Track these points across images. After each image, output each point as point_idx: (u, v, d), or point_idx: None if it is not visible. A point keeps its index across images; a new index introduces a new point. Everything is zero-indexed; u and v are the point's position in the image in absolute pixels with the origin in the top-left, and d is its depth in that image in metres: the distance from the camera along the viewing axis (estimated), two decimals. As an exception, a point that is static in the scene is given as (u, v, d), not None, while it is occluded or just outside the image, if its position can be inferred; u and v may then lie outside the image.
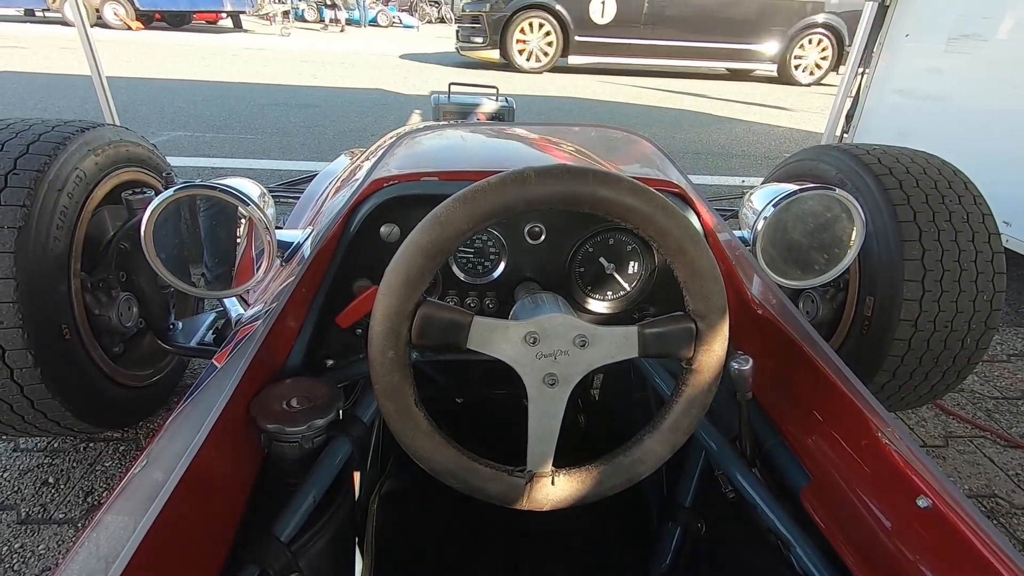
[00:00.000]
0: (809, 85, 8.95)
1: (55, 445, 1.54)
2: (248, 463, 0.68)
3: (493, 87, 2.93)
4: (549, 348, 0.63)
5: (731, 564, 0.81)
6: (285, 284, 0.74)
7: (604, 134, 1.03)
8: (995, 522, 1.52)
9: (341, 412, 0.77)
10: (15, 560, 1.24)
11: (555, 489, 0.66)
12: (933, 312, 1.38)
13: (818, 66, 8.95)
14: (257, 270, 0.86)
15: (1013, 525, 1.51)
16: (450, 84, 2.85)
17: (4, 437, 1.52)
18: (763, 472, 0.82)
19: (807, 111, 7.23)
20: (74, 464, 1.49)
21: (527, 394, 0.64)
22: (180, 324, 1.62)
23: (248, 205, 0.79)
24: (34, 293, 1.15)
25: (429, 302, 0.60)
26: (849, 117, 3.83)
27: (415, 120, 5.39)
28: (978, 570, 0.51)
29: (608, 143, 1.01)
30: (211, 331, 1.61)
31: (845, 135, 3.87)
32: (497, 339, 0.62)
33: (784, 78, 9.02)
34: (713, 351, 0.65)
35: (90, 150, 1.32)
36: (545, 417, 0.65)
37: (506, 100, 2.89)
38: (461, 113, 2.82)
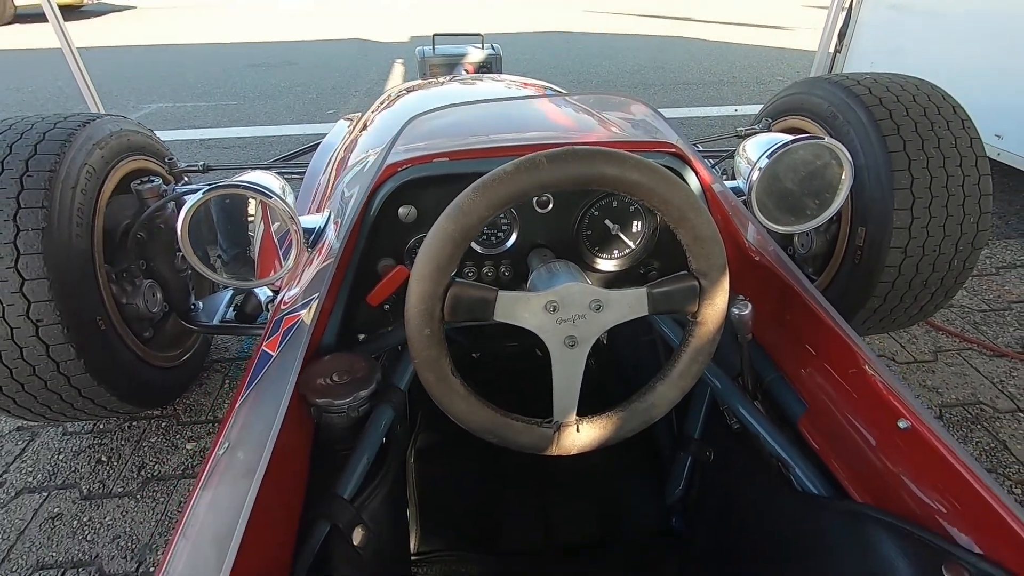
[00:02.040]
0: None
1: (101, 426, 1.64)
2: (304, 434, 0.76)
3: (478, 35, 2.86)
4: (568, 314, 0.70)
5: (738, 486, 0.91)
6: (319, 270, 0.79)
7: (602, 100, 1.06)
8: (980, 427, 1.64)
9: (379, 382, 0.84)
10: (87, 532, 1.36)
11: (580, 436, 0.75)
12: (922, 238, 1.44)
13: None
14: (285, 259, 0.91)
15: (996, 428, 1.64)
16: (434, 35, 2.78)
17: (55, 423, 1.62)
18: (764, 404, 0.91)
19: (806, 28, 7.00)
20: (122, 442, 1.59)
21: (550, 356, 0.71)
22: (201, 304, 1.69)
23: (271, 198, 0.84)
24: (67, 290, 1.21)
25: (458, 282, 0.66)
26: (842, 35, 3.75)
27: (398, 73, 5.25)
28: (948, 478, 0.59)
29: (606, 109, 1.04)
30: (231, 308, 1.68)
31: (838, 54, 3.80)
32: (520, 310, 0.69)
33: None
34: (716, 304, 0.71)
35: (94, 144, 1.34)
36: (567, 374, 0.72)
37: (492, 47, 2.83)
38: (448, 65, 2.77)
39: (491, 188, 0.62)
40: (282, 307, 0.82)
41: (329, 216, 0.96)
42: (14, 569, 1.28)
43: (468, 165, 0.84)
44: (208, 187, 0.80)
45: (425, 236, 0.89)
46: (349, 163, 1.19)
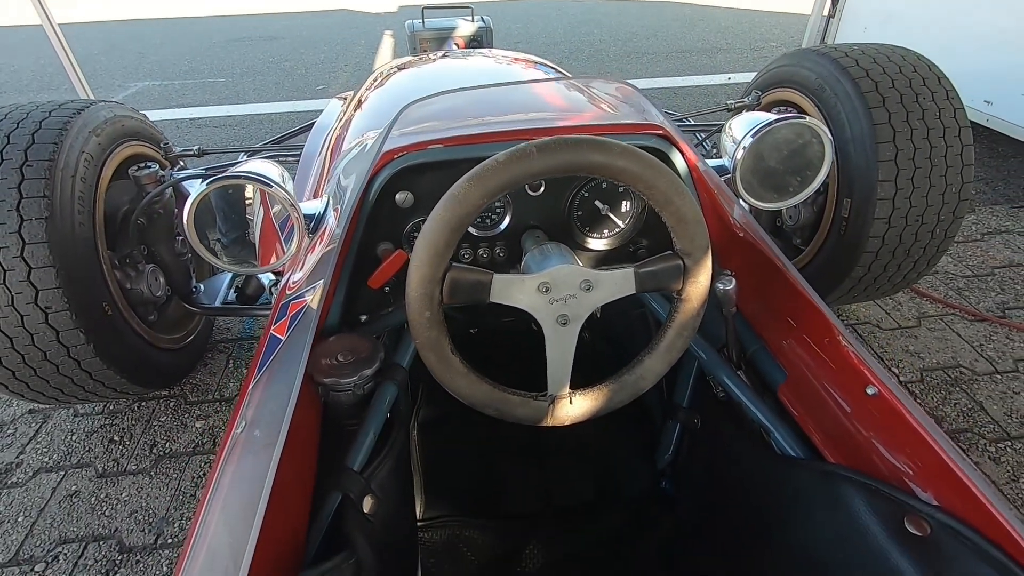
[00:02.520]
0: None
1: (111, 407, 1.69)
2: (314, 411, 0.81)
3: (468, 7, 2.82)
4: (560, 294, 0.73)
5: (723, 451, 0.97)
6: (321, 256, 0.83)
7: (590, 84, 1.08)
8: (958, 389, 1.71)
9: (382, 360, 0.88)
10: (105, 508, 1.42)
11: (573, 407, 0.80)
12: (905, 209, 1.48)
13: None
14: (287, 244, 0.94)
15: (973, 390, 1.70)
16: (423, 9, 2.75)
17: (67, 404, 1.67)
18: (748, 373, 0.96)
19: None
20: (133, 422, 1.64)
21: (544, 334, 0.76)
22: (202, 286, 1.72)
23: (271, 187, 0.86)
24: (73, 277, 1.24)
25: (456, 267, 0.70)
26: (835, 0, 3.71)
27: (387, 46, 5.17)
28: (911, 439, 0.65)
29: (594, 93, 1.06)
30: (232, 290, 1.72)
31: (832, 19, 3.77)
32: (515, 291, 0.73)
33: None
34: (699, 282, 0.75)
35: (91, 132, 1.36)
36: (560, 350, 0.77)
37: (482, 19, 2.81)
38: (438, 39, 2.75)
39: (485, 177, 0.65)
40: (287, 292, 0.85)
41: (328, 202, 0.99)
42: (38, 544, 1.34)
43: (462, 151, 0.86)
44: (210, 179, 0.83)
45: (422, 221, 0.93)
46: (344, 146, 1.21)
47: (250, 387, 0.71)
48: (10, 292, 1.19)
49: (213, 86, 4.22)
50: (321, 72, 4.51)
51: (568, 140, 0.66)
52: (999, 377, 1.74)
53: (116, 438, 1.60)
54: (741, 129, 0.97)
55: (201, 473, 1.50)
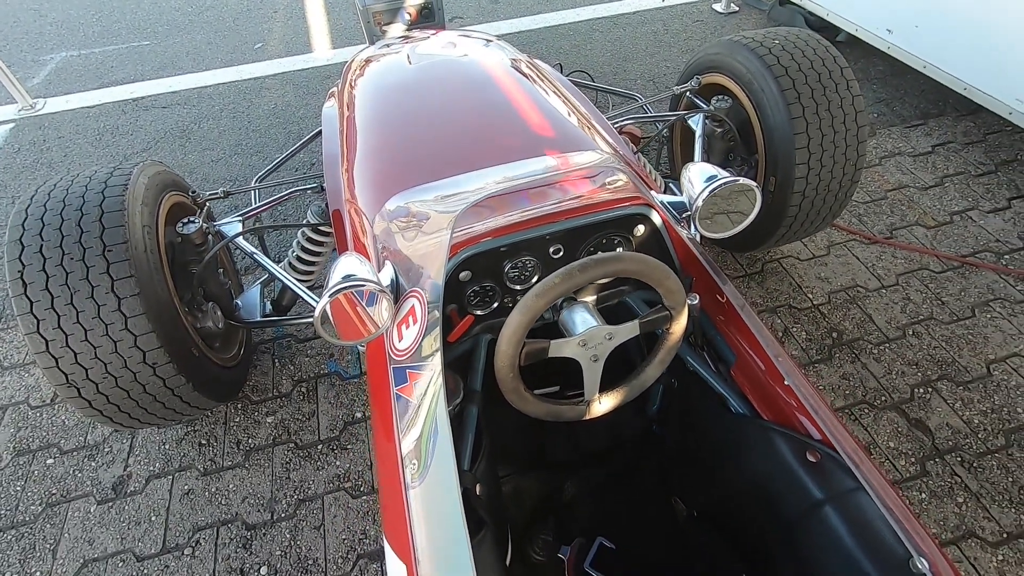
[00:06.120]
0: None
1: (186, 415, 1.99)
2: None
3: (411, -29, 2.83)
4: (592, 344, 1.11)
5: (693, 406, 1.41)
6: (424, 340, 1.13)
7: (590, 168, 1.35)
8: (855, 305, 2.24)
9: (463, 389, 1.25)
10: (220, 498, 1.79)
11: (601, 405, 1.20)
12: (816, 182, 1.89)
13: None
14: (374, 313, 1.25)
15: (866, 305, 2.24)
16: None
17: (172, 424, 1.95)
18: (708, 352, 1.39)
19: None
20: (212, 425, 1.96)
21: (582, 367, 1.14)
22: (240, 303, 1.98)
23: (365, 285, 1.14)
24: (167, 336, 1.50)
25: (527, 343, 1.05)
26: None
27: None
28: (812, 406, 1.08)
29: (592, 175, 1.34)
30: (267, 302, 1.99)
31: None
32: (564, 348, 1.10)
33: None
34: (680, 323, 1.14)
35: (141, 203, 1.54)
36: (592, 375, 1.16)
37: (431, -13, 2.84)
38: (391, 10, 2.79)
39: (545, 293, 0.99)
40: (396, 357, 1.17)
41: (394, 269, 1.28)
42: (178, 534, 1.71)
43: (504, 239, 1.18)
44: (330, 293, 1.09)
45: (478, 287, 1.25)
46: (365, 192, 1.46)
47: (399, 440, 1.07)
48: (123, 358, 1.45)
49: (140, 52, 3.99)
50: (250, 23, 4.30)
51: (599, 259, 1.00)
52: (884, 291, 2.28)
53: (204, 441, 1.92)
54: (699, 182, 1.30)
55: (287, 460, 1.87)
